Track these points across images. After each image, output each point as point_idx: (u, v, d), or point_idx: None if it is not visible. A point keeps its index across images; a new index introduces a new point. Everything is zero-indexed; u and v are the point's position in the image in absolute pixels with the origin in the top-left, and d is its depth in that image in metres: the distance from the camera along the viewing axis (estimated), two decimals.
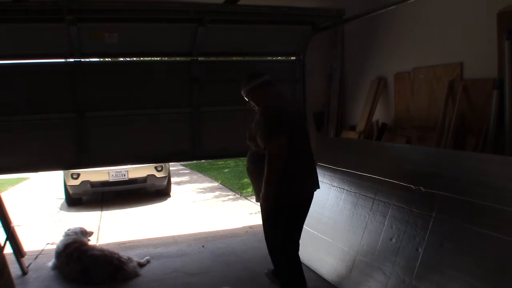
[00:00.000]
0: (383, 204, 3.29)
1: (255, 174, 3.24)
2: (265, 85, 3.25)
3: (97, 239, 5.55)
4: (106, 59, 5.11)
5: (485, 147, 3.23)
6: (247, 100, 3.34)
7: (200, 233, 5.54)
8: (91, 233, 4.44)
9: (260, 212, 3.61)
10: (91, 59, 4.77)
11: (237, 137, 4.72)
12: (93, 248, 4.09)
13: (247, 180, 9.81)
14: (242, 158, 10.80)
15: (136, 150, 4.69)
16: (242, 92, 3.32)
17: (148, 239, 5.42)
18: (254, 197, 3.45)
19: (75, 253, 3.90)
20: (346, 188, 3.77)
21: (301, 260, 4.01)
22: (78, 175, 7.54)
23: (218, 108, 4.87)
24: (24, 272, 4.07)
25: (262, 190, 3.01)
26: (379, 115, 4.57)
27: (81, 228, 4.31)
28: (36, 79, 4.32)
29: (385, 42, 4.44)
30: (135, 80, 4.64)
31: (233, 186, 9.48)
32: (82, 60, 4.46)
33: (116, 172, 7.69)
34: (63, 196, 8.22)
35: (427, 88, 3.92)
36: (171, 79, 4.78)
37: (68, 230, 4.25)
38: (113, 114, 4.57)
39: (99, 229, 6.19)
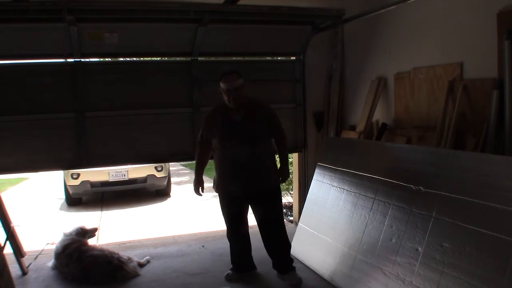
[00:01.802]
0: (383, 204, 3.29)
1: (259, 164, 3.45)
2: None
3: (97, 239, 5.55)
4: (106, 59, 5.11)
5: (485, 147, 3.22)
6: (235, 91, 3.35)
7: (200, 233, 5.54)
8: (93, 230, 4.37)
9: None
10: (91, 59, 4.77)
11: None
12: (93, 248, 4.08)
13: None
14: None
15: (136, 150, 4.69)
16: (237, 83, 3.36)
17: (148, 239, 5.41)
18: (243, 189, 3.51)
19: (75, 253, 3.89)
20: (346, 188, 3.77)
21: (301, 260, 4.03)
22: (78, 175, 7.54)
23: None
24: (24, 272, 4.07)
25: (287, 169, 3.63)
26: (379, 115, 4.57)
27: (80, 227, 4.26)
28: (36, 79, 4.32)
29: (385, 42, 4.44)
30: (135, 80, 4.63)
31: None
32: (82, 60, 4.46)
33: (116, 172, 7.69)
34: (63, 196, 8.22)
35: (427, 88, 3.92)
36: (171, 79, 4.77)
37: (67, 231, 4.25)
38: (113, 114, 4.57)
39: (99, 229, 6.18)
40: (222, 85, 3.39)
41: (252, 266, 3.84)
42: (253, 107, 3.47)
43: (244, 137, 3.39)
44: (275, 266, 3.74)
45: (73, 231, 4.18)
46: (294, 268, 3.71)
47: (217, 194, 3.73)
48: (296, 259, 4.06)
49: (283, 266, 3.71)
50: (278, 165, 3.70)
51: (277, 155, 3.76)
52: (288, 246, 3.71)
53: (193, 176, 3.77)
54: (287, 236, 3.69)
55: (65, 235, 4.16)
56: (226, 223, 3.77)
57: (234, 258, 3.84)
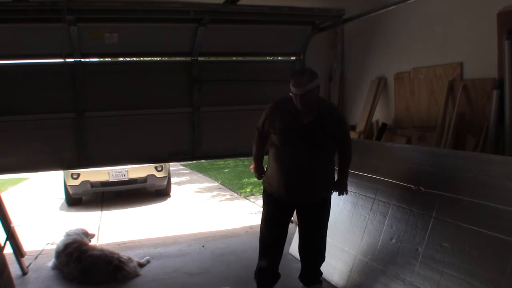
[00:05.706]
0: (383, 204, 3.29)
1: (316, 173, 3.10)
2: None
3: (97, 239, 5.55)
4: (106, 59, 5.11)
5: (485, 147, 3.23)
6: (305, 96, 2.94)
7: (200, 233, 5.54)
8: (92, 235, 4.44)
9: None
10: (91, 59, 4.78)
11: (237, 137, 4.72)
12: (93, 248, 4.09)
13: (247, 180, 9.80)
14: (242, 158, 10.82)
15: (136, 150, 4.69)
16: (309, 87, 2.93)
17: (148, 239, 5.41)
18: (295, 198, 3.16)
19: (75, 253, 3.89)
20: None
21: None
22: (78, 175, 7.54)
23: (218, 108, 4.87)
24: (24, 272, 4.07)
25: (345, 181, 3.28)
26: (379, 115, 4.58)
27: (82, 229, 4.31)
28: (36, 79, 4.32)
29: (385, 42, 4.44)
30: (135, 80, 4.64)
31: (233, 186, 9.48)
32: (82, 60, 4.46)
33: (116, 172, 7.68)
34: (63, 196, 8.22)
35: (427, 88, 3.93)
36: (171, 79, 4.78)
37: (69, 230, 4.26)
38: (113, 114, 4.57)
39: (99, 229, 6.18)
40: (292, 88, 2.98)
41: (277, 276, 3.41)
42: (325, 111, 3.10)
43: (306, 141, 3.03)
44: (302, 276, 3.44)
45: (77, 231, 4.20)
46: (321, 281, 3.41)
47: (264, 190, 3.33)
48: (296, 259, 4.06)
49: (312, 278, 3.40)
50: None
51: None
52: (323, 259, 3.39)
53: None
54: (325, 249, 3.37)
55: (67, 234, 4.17)
56: (263, 224, 3.33)
57: (260, 271, 3.35)
